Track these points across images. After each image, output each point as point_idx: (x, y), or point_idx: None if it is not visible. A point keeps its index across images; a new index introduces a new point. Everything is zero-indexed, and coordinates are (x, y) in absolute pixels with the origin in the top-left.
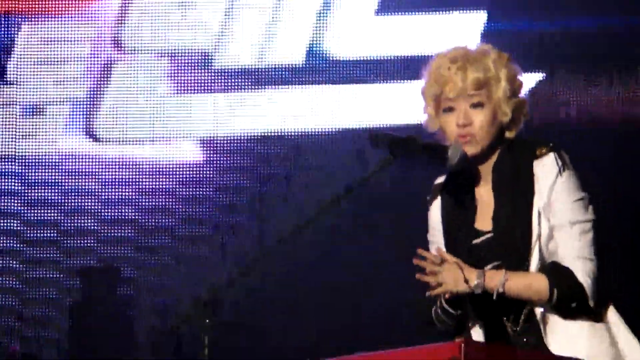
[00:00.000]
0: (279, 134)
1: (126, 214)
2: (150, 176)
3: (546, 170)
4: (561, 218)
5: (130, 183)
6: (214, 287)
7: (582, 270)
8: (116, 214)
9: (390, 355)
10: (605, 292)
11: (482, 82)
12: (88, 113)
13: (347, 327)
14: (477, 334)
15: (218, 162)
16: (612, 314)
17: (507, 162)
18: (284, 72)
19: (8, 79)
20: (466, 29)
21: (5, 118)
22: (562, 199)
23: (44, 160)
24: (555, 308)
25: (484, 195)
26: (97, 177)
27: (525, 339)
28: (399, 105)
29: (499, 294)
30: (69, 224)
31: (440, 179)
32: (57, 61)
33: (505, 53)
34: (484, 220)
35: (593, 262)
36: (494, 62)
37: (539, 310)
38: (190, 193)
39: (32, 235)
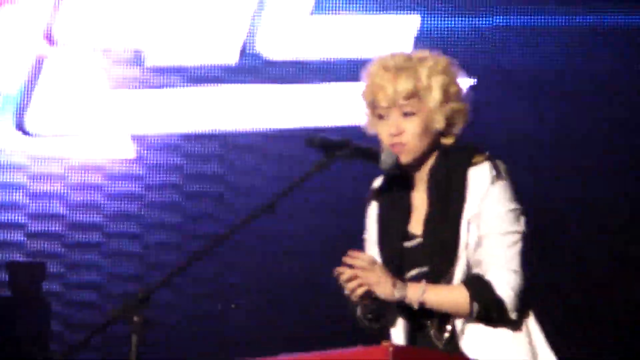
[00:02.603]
0: (212, 132)
1: (55, 209)
2: (80, 172)
3: (480, 178)
4: (490, 228)
5: (60, 178)
6: (147, 285)
7: (506, 283)
8: (45, 208)
9: (315, 357)
10: (528, 302)
11: (412, 92)
12: (19, 107)
13: (277, 327)
14: (398, 333)
15: (149, 159)
16: (532, 323)
17: (442, 168)
18: (217, 71)
19: None
20: (401, 30)
21: None
22: (493, 208)
23: None
24: (475, 319)
25: (419, 199)
26: (26, 171)
27: (443, 344)
28: (335, 106)
29: (419, 304)
30: None
31: (379, 181)
32: None
33: (446, 58)
34: (417, 224)
35: (518, 274)
36: (429, 70)
37: (459, 319)
38: (120, 190)
39: None
